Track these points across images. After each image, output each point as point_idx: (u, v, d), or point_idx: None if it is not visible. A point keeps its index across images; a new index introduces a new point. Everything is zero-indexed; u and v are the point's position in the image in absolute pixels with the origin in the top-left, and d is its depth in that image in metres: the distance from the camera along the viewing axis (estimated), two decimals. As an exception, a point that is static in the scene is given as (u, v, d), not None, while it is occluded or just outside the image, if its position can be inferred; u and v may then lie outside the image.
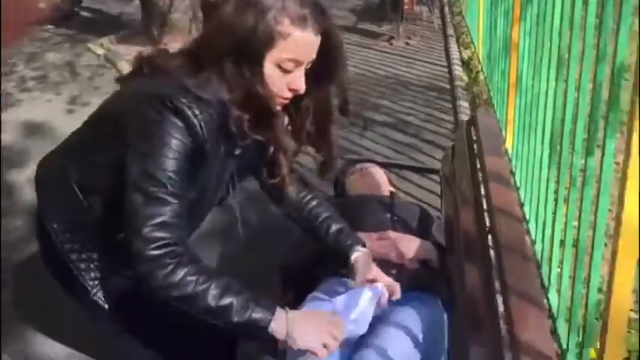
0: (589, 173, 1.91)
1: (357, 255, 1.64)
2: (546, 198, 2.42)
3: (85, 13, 7.41)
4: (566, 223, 2.15)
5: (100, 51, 5.95)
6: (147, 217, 1.28)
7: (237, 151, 1.47)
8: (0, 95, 4.54)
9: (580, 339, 1.88)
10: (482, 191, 1.72)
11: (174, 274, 1.29)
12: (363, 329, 1.50)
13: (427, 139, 3.95)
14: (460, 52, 5.60)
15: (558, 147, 2.27)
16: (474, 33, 5.31)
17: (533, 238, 2.61)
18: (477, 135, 1.95)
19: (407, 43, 6.12)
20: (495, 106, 3.89)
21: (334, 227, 1.68)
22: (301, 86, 1.37)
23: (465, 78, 4.94)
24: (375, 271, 1.61)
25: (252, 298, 1.34)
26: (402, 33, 6.24)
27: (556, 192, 2.27)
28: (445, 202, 2.20)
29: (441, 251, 1.84)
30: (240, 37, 1.29)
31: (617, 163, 1.70)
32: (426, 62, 5.53)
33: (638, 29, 1.64)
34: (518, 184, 2.98)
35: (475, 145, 1.96)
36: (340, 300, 1.60)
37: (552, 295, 2.27)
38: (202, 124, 1.31)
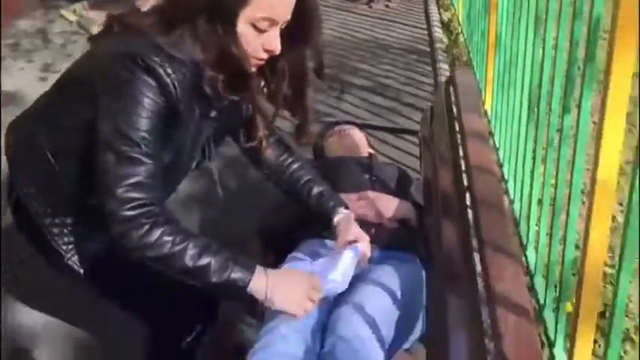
0: (566, 133, 1.92)
1: (340, 217, 1.64)
2: (524, 157, 2.44)
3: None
4: (543, 182, 2.17)
5: (73, 17, 5.82)
6: (120, 177, 1.27)
7: (213, 114, 1.45)
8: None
9: (557, 294, 1.91)
10: (461, 150, 1.72)
11: (150, 234, 1.28)
12: (342, 287, 1.51)
13: (407, 102, 3.94)
14: (440, 14, 5.56)
15: (536, 107, 2.28)
16: (454, -6, 5.27)
17: (512, 197, 2.63)
18: (455, 94, 1.95)
19: (386, 6, 6.06)
20: (475, 67, 3.89)
21: (316, 190, 1.68)
22: (276, 47, 1.35)
23: (445, 40, 4.92)
24: (357, 232, 1.62)
25: (231, 258, 1.34)
26: (381, -5, 6.19)
27: (534, 151, 2.28)
28: (424, 163, 2.21)
29: (419, 211, 1.86)
30: None
31: (594, 123, 1.72)
32: (406, 25, 5.49)
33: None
34: (497, 145, 3.00)
35: (454, 105, 1.96)
36: (320, 260, 1.61)
37: (530, 253, 2.31)
38: (175, 83, 1.29)
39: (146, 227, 1.27)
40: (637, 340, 2.14)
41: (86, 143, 1.32)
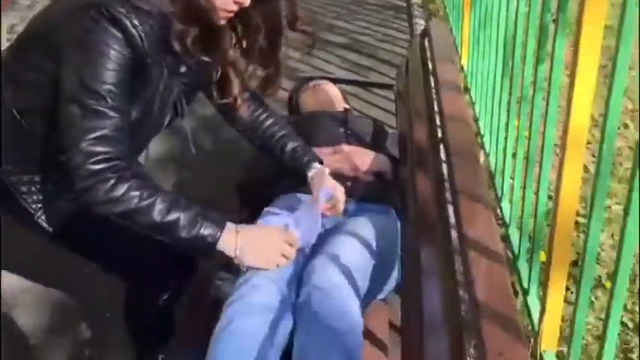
0: (539, 84, 1.93)
1: (314, 172, 1.64)
2: (499, 111, 2.45)
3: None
4: (517, 136, 2.18)
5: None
6: (86, 130, 1.24)
7: (183, 69, 1.43)
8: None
9: (530, 245, 1.94)
10: (435, 100, 1.72)
11: (116, 189, 1.25)
12: (316, 230, 1.52)
13: (383, 58, 3.91)
14: (416, -31, 5.51)
15: (510, 60, 2.28)
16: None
17: (488, 151, 2.65)
18: (429, 45, 1.94)
19: (362, -38, 5.98)
20: (451, 22, 3.86)
21: (290, 145, 1.67)
22: None
23: (421, -4, 4.88)
24: (332, 185, 1.62)
25: (201, 213, 1.33)
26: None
27: (508, 104, 2.29)
28: (399, 117, 2.21)
29: (394, 164, 1.86)
30: None
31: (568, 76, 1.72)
32: (382, -20, 5.42)
33: None
34: (473, 100, 3.00)
35: (429, 58, 1.96)
36: (296, 213, 1.62)
37: (505, 205, 2.34)
38: (142, 35, 1.26)
39: (112, 181, 1.25)
40: (608, 287, 2.19)
41: (52, 99, 1.29)
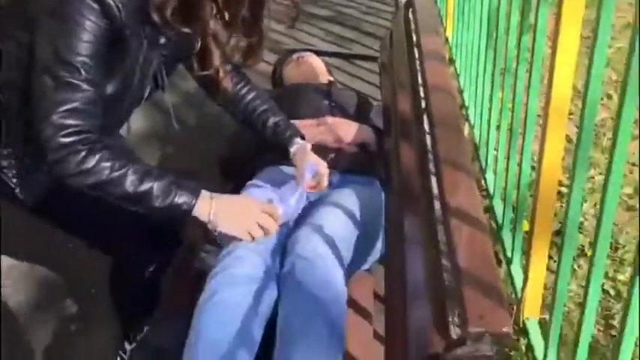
0: (523, 55, 1.93)
1: (296, 148, 1.64)
2: (484, 83, 2.45)
3: None
4: (502, 107, 2.19)
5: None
6: (57, 102, 1.22)
7: (163, 40, 1.41)
8: None
9: (514, 215, 1.96)
10: (419, 69, 1.72)
11: (87, 160, 1.24)
12: (300, 207, 1.52)
13: (367, 31, 3.89)
14: (401, -59, 5.45)
15: (494, 32, 2.27)
16: None
17: (472, 123, 2.66)
18: (414, 17, 1.93)
19: None
20: (436, -5, 3.84)
21: (271, 120, 1.66)
22: None
23: (406, -32, 4.83)
24: (315, 162, 1.61)
25: (175, 182, 1.32)
26: None
27: (492, 75, 2.29)
28: (383, 89, 2.20)
29: (379, 135, 1.86)
30: None
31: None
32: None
33: None
34: (458, 71, 3.00)
35: (412, 27, 1.94)
36: (280, 190, 1.62)
37: (489, 176, 2.35)
38: (120, 5, 1.24)
39: (83, 153, 1.24)
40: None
41: (28, 71, 1.27)
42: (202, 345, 1.27)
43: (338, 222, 1.51)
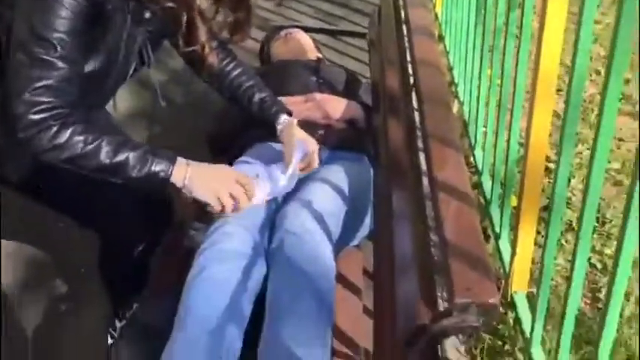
0: (511, 30, 1.92)
1: (282, 125, 1.63)
2: (473, 59, 2.44)
3: None
4: (490, 84, 2.19)
5: None
6: (31, 79, 1.22)
7: (147, 15, 1.39)
8: None
9: (502, 191, 1.97)
10: (407, 44, 1.71)
11: (60, 135, 1.24)
12: (290, 187, 1.52)
13: (356, 8, 3.85)
14: None
15: (483, 8, 2.26)
16: None
17: (462, 99, 2.66)
18: (401, -9, 1.91)
19: None
20: (425, -28, 3.82)
21: (257, 96, 1.66)
22: None
23: (395, -56, 4.79)
24: (302, 138, 1.61)
25: (150, 151, 1.32)
26: None
27: (482, 51, 2.28)
28: (372, 65, 2.19)
29: (367, 112, 1.86)
30: None
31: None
32: None
33: None
34: (447, 48, 2.99)
35: (401, 3, 1.93)
36: (270, 168, 1.61)
37: (478, 152, 2.36)
38: None
39: (55, 128, 1.24)
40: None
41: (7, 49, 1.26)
42: (192, 320, 1.27)
43: (326, 197, 1.51)
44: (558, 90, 1.93)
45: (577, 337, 1.61)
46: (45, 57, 1.21)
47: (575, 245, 1.36)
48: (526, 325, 1.68)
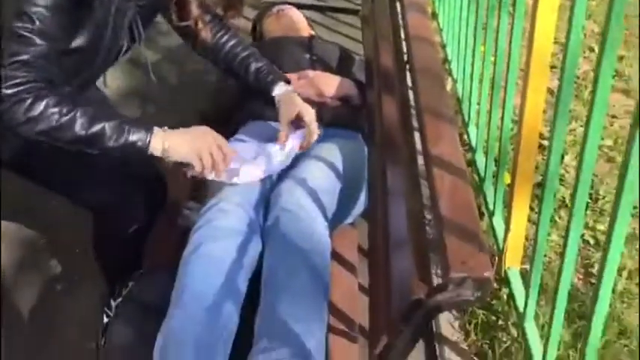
0: (505, 9, 1.91)
1: (280, 93, 1.62)
2: (466, 36, 2.43)
3: None
4: (484, 60, 2.18)
5: None
6: (7, 54, 1.22)
7: None
8: None
9: (496, 168, 1.97)
10: (400, 22, 1.70)
11: (34, 107, 1.24)
12: (286, 163, 1.52)
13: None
14: None
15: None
16: None
17: (455, 77, 2.65)
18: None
19: None
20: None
21: (254, 66, 1.65)
22: None
23: None
24: (301, 107, 1.60)
25: (126, 121, 1.32)
26: None
27: (475, 28, 2.27)
28: (365, 42, 2.18)
29: (361, 89, 1.85)
30: None
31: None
32: None
33: None
34: (441, 26, 2.98)
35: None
36: (265, 143, 1.61)
37: (471, 130, 2.36)
38: None
39: (29, 101, 1.24)
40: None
41: None
42: (188, 297, 1.27)
43: (321, 174, 1.51)
44: (552, 67, 1.93)
45: (570, 311, 1.63)
46: (23, 32, 1.21)
47: (569, 221, 1.37)
48: (519, 301, 1.69)
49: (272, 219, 1.41)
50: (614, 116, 2.74)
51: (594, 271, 1.99)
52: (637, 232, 2.06)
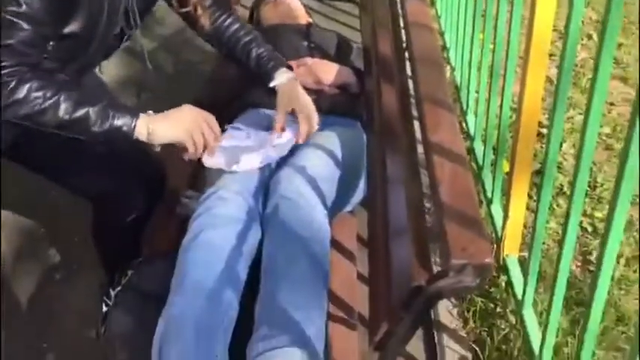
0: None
1: (280, 82, 1.61)
2: (465, 24, 2.42)
3: None
4: (482, 48, 2.18)
5: None
6: None
7: None
8: None
9: (494, 156, 1.97)
10: (399, 9, 1.69)
11: (17, 91, 1.23)
12: (283, 152, 1.52)
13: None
14: None
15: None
16: None
17: (453, 65, 2.65)
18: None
19: None
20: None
21: (255, 52, 1.64)
22: None
23: None
24: (299, 100, 1.59)
25: (111, 105, 1.31)
26: None
27: (474, 15, 2.26)
28: (363, 29, 2.17)
29: (359, 76, 1.84)
30: None
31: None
32: None
33: None
34: (439, 13, 2.97)
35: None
36: (261, 133, 1.61)
37: (470, 118, 2.35)
38: None
39: (12, 84, 1.23)
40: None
41: None
42: (188, 284, 1.27)
43: (320, 162, 1.51)
44: (550, 55, 1.92)
45: (568, 298, 1.64)
46: (10, 17, 1.21)
47: (568, 209, 1.37)
48: (518, 288, 1.70)
49: (271, 207, 1.41)
50: (612, 104, 2.74)
51: (592, 258, 2.00)
52: (635, 219, 2.07)
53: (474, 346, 1.71)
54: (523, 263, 1.71)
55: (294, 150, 1.56)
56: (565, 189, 2.24)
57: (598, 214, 2.16)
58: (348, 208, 1.67)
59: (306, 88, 1.65)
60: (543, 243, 1.70)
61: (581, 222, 2.06)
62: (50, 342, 1.84)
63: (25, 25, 1.22)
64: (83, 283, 1.99)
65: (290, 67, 1.65)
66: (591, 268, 1.95)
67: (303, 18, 2.16)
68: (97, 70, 1.62)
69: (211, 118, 1.42)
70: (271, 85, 1.62)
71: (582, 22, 1.49)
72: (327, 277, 1.36)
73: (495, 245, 1.82)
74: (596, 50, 1.22)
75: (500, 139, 1.89)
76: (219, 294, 1.26)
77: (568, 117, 2.56)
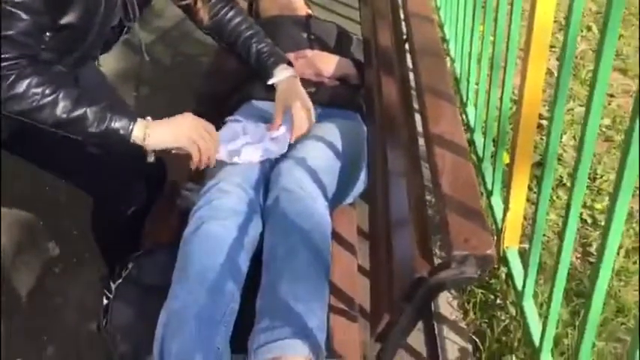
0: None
1: (279, 79, 1.61)
2: (464, 16, 2.42)
3: None
4: (483, 40, 2.17)
5: None
6: None
7: None
8: None
9: (494, 148, 1.97)
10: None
11: (16, 85, 1.23)
12: (283, 149, 1.52)
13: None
14: None
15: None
16: None
17: (453, 57, 2.64)
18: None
19: None
20: None
21: (255, 47, 1.64)
22: None
23: None
24: (295, 100, 1.58)
25: (110, 107, 1.30)
26: None
27: (474, 7, 2.26)
28: (363, 20, 2.16)
29: (359, 68, 1.84)
30: None
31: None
32: None
33: None
34: (438, 5, 2.96)
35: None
36: (260, 127, 1.60)
37: (470, 110, 2.35)
38: None
39: (11, 78, 1.22)
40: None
41: None
42: (190, 277, 1.27)
43: (321, 154, 1.51)
44: (550, 46, 1.91)
45: (568, 290, 1.64)
46: (9, 8, 1.20)
47: (568, 200, 1.37)
48: (518, 280, 1.70)
49: (272, 199, 1.41)
50: (611, 95, 2.74)
51: (592, 249, 2.00)
52: (635, 211, 2.07)
53: (474, 337, 1.72)
54: (523, 255, 1.72)
55: (294, 142, 1.55)
56: (565, 181, 2.24)
57: (598, 206, 2.16)
58: (349, 200, 1.67)
59: (306, 80, 1.64)
60: (543, 235, 1.70)
61: (580, 214, 2.06)
62: (51, 335, 1.84)
63: (23, 15, 1.21)
64: (83, 276, 1.99)
65: (290, 63, 1.64)
66: (591, 259, 1.95)
67: (303, 9, 2.15)
68: (95, 63, 1.61)
69: (211, 127, 1.42)
70: (270, 82, 1.62)
71: (582, 13, 1.48)
72: (328, 269, 1.36)
73: (495, 237, 1.82)
74: (596, 42, 1.21)
75: (500, 131, 1.89)
76: (221, 286, 1.26)
77: (568, 109, 2.56)
